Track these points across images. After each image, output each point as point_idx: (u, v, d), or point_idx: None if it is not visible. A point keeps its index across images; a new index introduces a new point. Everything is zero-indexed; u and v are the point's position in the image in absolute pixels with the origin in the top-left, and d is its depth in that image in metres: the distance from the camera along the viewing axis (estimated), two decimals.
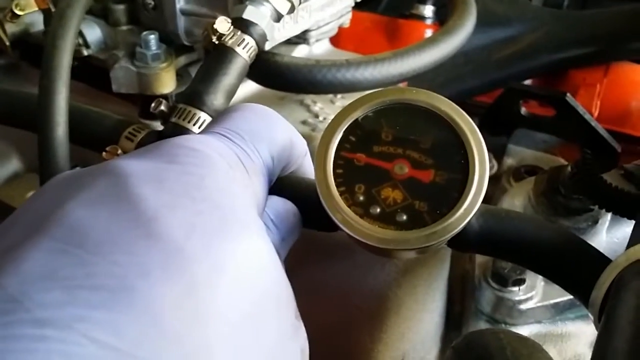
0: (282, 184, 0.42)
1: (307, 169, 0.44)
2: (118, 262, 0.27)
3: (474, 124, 0.38)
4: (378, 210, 0.37)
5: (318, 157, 0.38)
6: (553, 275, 0.42)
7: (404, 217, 0.36)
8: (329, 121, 0.39)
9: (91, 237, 0.28)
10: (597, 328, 0.37)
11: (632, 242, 0.40)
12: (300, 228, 0.41)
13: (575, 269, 0.40)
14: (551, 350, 0.61)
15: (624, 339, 0.32)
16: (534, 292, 0.59)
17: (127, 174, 0.31)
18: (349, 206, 0.37)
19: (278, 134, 0.40)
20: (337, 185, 0.37)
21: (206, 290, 0.28)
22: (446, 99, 0.39)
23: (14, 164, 0.82)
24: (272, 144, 0.39)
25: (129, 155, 0.34)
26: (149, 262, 0.27)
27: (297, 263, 0.61)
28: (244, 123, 0.38)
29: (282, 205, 0.40)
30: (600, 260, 0.39)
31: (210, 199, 0.31)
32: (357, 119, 0.39)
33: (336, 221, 0.37)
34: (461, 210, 0.36)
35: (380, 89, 0.40)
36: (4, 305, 0.25)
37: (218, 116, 0.40)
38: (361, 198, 0.37)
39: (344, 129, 0.39)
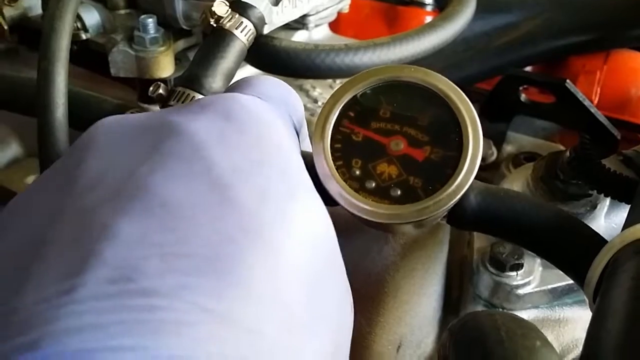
0: None
1: (305, 141, 0.45)
2: (203, 229, 0.27)
3: (470, 103, 0.38)
4: (373, 184, 0.38)
5: (316, 131, 0.39)
6: (549, 254, 0.43)
7: (398, 192, 0.37)
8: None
9: (172, 203, 0.28)
10: (591, 309, 0.38)
11: (628, 224, 0.40)
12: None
13: (572, 249, 0.41)
14: (549, 335, 0.61)
15: (617, 320, 0.32)
16: (531, 277, 0.59)
17: (191, 132, 0.31)
18: (344, 180, 0.38)
19: (297, 102, 0.41)
20: (335, 160, 0.38)
21: (284, 252, 0.29)
22: (444, 78, 0.39)
23: (13, 149, 0.82)
24: (293, 111, 0.40)
25: (179, 110, 0.34)
26: (231, 229, 0.28)
27: None
28: (271, 89, 0.39)
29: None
30: (597, 241, 0.40)
31: (275, 162, 0.32)
32: (355, 96, 0.40)
33: (333, 195, 0.38)
34: (454, 186, 0.37)
35: (379, 66, 0.40)
36: (110, 273, 0.25)
37: (240, 83, 0.40)
38: (357, 172, 0.38)
39: (342, 104, 0.39)
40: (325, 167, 0.38)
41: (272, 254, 0.28)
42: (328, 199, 0.38)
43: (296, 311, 0.28)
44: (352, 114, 0.39)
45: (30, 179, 0.74)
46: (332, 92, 0.40)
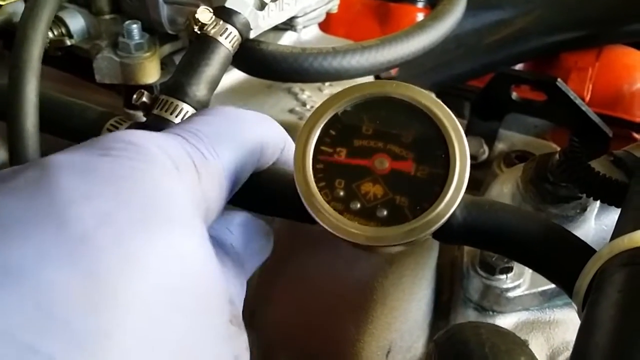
0: (259, 179, 0.41)
1: (288, 157, 0.44)
2: (12, 245, 0.27)
3: (455, 118, 0.37)
4: (358, 205, 0.36)
5: (297, 153, 0.38)
6: (537, 266, 0.42)
7: (385, 213, 0.36)
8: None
9: None
10: (580, 317, 0.37)
11: (616, 232, 0.39)
12: (271, 246, 0.42)
13: (559, 260, 0.40)
14: (539, 337, 0.61)
15: (604, 333, 0.32)
16: (521, 279, 0.59)
17: (55, 165, 0.30)
18: (328, 202, 0.36)
19: (245, 136, 0.39)
20: (317, 181, 0.37)
21: (109, 279, 0.27)
22: (427, 93, 0.38)
23: (1, 154, 0.81)
24: (236, 147, 0.38)
25: (66, 149, 0.33)
26: (46, 247, 0.27)
27: (282, 254, 0.61)
28: (205, 125, 0.37)
29: (252, 222, 0.40)
30: (584, 251, 0.39)
31: (136, 190, 0.30)
32: (337, 114, 0.38)
33: (316, 219, 0.37)
34: (442, 205, 0.36)
35: (360, 82, 0.39)
36: None
37: (184, 120, 0.40)
38: (341, 193, 0.37)
39: (323, 123, 0.38)
40: (307, 189, 0.37)
41: (93, 279, 0.27)
42: (312, 217, 0.37)
43: (114, 338, 0.27)
44: (333, 133, 0.38)
45: None
46: (320, 94, 0.39)
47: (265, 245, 0.41)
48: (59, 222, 0.28)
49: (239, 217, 0.40)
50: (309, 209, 0.37)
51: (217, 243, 0.38)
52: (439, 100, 0.38)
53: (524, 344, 0.34)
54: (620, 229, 0.40)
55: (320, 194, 0.37)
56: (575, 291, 0.38)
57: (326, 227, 0.36)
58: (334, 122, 0.38)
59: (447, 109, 0.37)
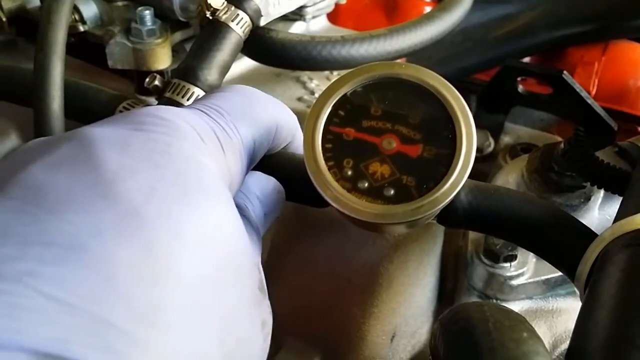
0: (270, 161, 0.42)
1: (299, 145, 0.45)
2: (71, 221, 0.28)
3: (462, 99, 0.38)
4: (366, 184, 0.37)
5: (306, 132, 0.38)
6: (540, 250, 0.43)
7: (392, 192, 0.37)
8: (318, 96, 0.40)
9: (49, 197, 0.28)
10: (582, 299, 0.38)
11: (618, 216, 0.40)
12: (282, 204, 0.42)
13: (562, 244, 0.41)
14: (542, 326, 0.61)
15: (605, 311, 0.33)
16: (525, 268, 0.59)
17: (92, 138, 0.31)
18: (337, 181, 0.37)
19: (261, 115, 0.40)
20: (326, 160, 0.38)
21: (162, 252, 0.28)
22: (435, 74, 0.39)
23: (12, 140, 0.82)
24: (254, 124, 0.39)
25: (98, 122, 0.34)
26: (102, 222, 0.28)
27: (290, 238, 0.62)
28: (224, 101, 0.39)
29: (265, 181, 0.41)
30: (587, 235, 0.40)
31: (174, 165, 0.31)
32: (345, 94, 0.39)
33: (325, 196, 0.37)
34: (448, 185, 0.36)
35: (369, 63, 0.40)
36: None
37: (203, 96, 0.41)
38: (349, 173, 0.37)
39: (332, 103, 0.39)
40: (316, 167, 0.37)
41: (147, 252, 0.28)
42: (322, 201, 0.38)
43: (167, 309, 0.28)
44: (342, 113, 0.39)
45: None
46: (329, 83, 0.40)
47: (279, 203, 0.42)
48: (109, 197, 0.29)
49: (256, 181, 0.41)
50: (317, 187, 0.37)
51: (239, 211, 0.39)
52: (447, 82, 0.38)
53: (526, 321, 0.34)
54: (622, 213, 0.40)
55: (330, 172, 0.37)
56: (577, 275, 0.39)
57: (334, 204, 0.37)
58: (343, 102, 0.39)
59: (455, 90, 0.38)
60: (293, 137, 0.44)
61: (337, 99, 0.39)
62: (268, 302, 0.36)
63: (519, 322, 0.34)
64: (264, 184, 0.40)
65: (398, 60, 0.77)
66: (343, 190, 0.37)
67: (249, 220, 0.39)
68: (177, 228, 0.29)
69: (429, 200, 0.36)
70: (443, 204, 0.37)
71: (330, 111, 0.39)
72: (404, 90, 0.39)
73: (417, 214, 0.36)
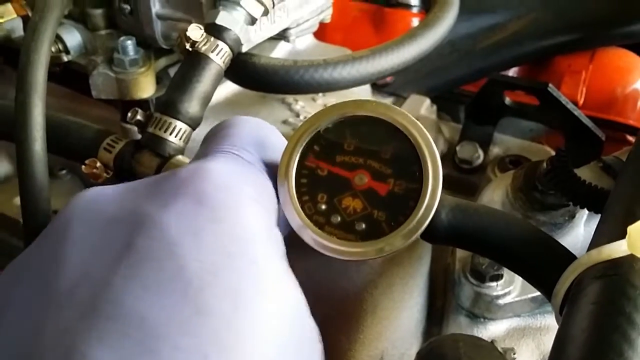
0: None
1: None
2: (179, 347, 0.28)
3: (429, 136, 0.39)
4: (339, 219, 0.38)
5: (281, 167, 0.39)
6: (519, 269, 0.44)
7: (363, 226, 0.38)
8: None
9: (148, 319, 0.29)
10: (557, 321, 0.38)
11: (593, 242, 0.40)
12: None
13: (540, 265, 0.41)
14: (530, 344, 0.62)
15: (576, 347, 0.33)
16: (512, 287, 0.60)
17: (164, 226, 0.32)
18: (311, 215, 0.38)
19: (277, 139, 0.42)
20: (301, 195, 0.39)
21: (256, 354, 0.30)
22: (404, 112, 0.40)
23: (4, 167, 0.83)
24: (272, 151, 0.40)
25: (152, 195, 0.34)
26: (205, 344, 0.29)
27: None
28: (248, 136, 0.40)
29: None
30: (565, 257, 0.40)
31: (245, 253, 0.32)
32: (319, 130, 0.40)
33: (296, 230, 0.38)
34: (416, 220, 0.38)
35: (342, 101, 0.41)
36: None
37: (217, 132, 0.41)
38: (323, 207, 0.39)
39: (307, 139, 0.40)
40: (289, 204, 0.38)
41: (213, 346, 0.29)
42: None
43: None
44: (317, 148, 0.40)
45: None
46: (314, 105, 0.41)
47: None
48: (199, 311, 0.29)
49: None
50: (290, 222, 0.38)
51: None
52: (415, 120, 0.39)
53: (501, 356, 0.35)
54: (597, 239, 0.40)
55: (304, 207, 0.38)
56: (553, 297, 0.40)
57: (305, 240, 0.38)
58: (317, 138, 0.40)
59: (423, 127, 0.39)
60: None
61: (311, 135, 0.40)
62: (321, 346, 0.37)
63: (492, 358, 0.35)
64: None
65: (388, 78, 0.78)
66: (314, 227, 0.38)
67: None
68: (263, 329, 0.30)
69: (400, 235, 0.37)
70: (412, 237, 0.38)
71: (305, 147, 0.40)
72: (375, 127, 0.40)
73: (387, 251, 0.37)
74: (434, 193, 0.38)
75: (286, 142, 0.42)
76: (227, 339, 0.29)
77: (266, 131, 0.42)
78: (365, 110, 0.40)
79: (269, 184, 0.38)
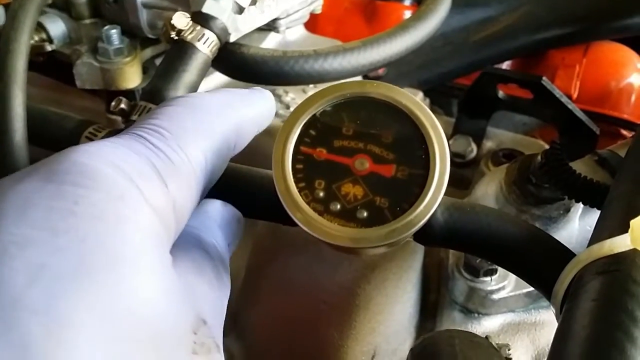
0: (238, 180, 0.41)
1: None
2: None
3: (435, 118, 0.37)
4: (338, 206, 0.36)
5: (276, 153, 0.37)
6: (516, 269, 0.42)
7: (365, 214, 0.36)
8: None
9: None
10: (557, 321, 0.37)
11: (594, 237, 0.39)
12: (242, 234, 0.40)
13: (538, 264, 0.40)
14: (525, 339, 0.61)
15: (577, 344, 0.32)
16: (506, 281, 0.59)
17: (4, 195, 0.28)
18: (308, 203, 0.36)
19: (213, 126, 0.36)
20: (297, 181, 0.36)
21: (40, 351, 0.24)
22: (407, 93, 0.38)
23: None
24: (206, 140, 0.35)
25: (21, 171, 0.31)
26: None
27: (265, 259, 0.60)
28: (167, 119, 0.35)
29: (225, 210, 0.38)
30: (564, 255, 0.39)
31: (77, 228, 0.27)
32: (315, 114, 0.38)
33: (295, 219, 0.36)
34: (422, 207, 0.35)
35: (340, 81, 0.39)
36: None
37: (145, 115, 0.37)
38: (321, 194, 0.36)
39: (302, 123, 0.38)
40: (286, 189, 0.36)
41: (25, 352, 0.24)
42: (293, 223, 0.36)
43: None
44: (313, 133, 0.37)
45: None
46: (304, 97, 0.39)
47: (239, 232, 0.40)
48: None
49: (216, 210, 0.38)
50: (288, 210, 0.36)
51: (199, 244, 0.37)
52: (419, 101, 0.37)
53: (496, 353, 0.34)
54: (597, 234, 0.39)
55: (300, 194, 0.36)
56: (553, 295, 0.38)
57: (305, 228, 0.36)
58: (313, 122, 0.38)
59: (428, 109, 0.37)
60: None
61: (307, 118, 0.38)
62: (219, 357, 0.32)
63: (489, 355, 0.33)
64: (224, 214, 0.38)
65: (378, 70, 0.76)
66: (314, 214, 0.36)
67: (209, 253, 0.36)
68: (65, 316, 0.25)
69: (403, 223, 0.35)
70: (417, 226, 0.36)
71: (301, 131, 0.37)
72: (375, 109, 0.38)
73: (391, 237, 0.35)
74: (441, 177, 0.35)
75: (241, 124, 0.39)
76: (7, 316, 0.24)
77: (203, 115, 0.36)
78: (365, 91, 0.38)
79: (173, 169, 0.33)
